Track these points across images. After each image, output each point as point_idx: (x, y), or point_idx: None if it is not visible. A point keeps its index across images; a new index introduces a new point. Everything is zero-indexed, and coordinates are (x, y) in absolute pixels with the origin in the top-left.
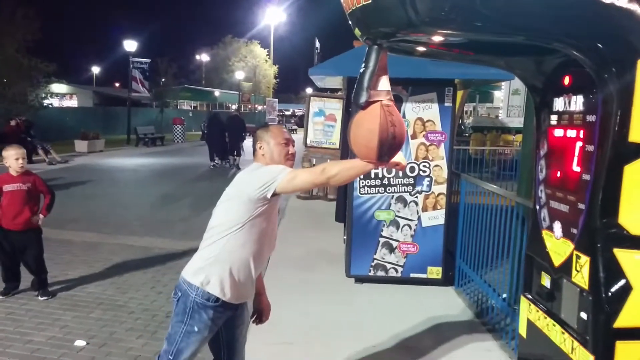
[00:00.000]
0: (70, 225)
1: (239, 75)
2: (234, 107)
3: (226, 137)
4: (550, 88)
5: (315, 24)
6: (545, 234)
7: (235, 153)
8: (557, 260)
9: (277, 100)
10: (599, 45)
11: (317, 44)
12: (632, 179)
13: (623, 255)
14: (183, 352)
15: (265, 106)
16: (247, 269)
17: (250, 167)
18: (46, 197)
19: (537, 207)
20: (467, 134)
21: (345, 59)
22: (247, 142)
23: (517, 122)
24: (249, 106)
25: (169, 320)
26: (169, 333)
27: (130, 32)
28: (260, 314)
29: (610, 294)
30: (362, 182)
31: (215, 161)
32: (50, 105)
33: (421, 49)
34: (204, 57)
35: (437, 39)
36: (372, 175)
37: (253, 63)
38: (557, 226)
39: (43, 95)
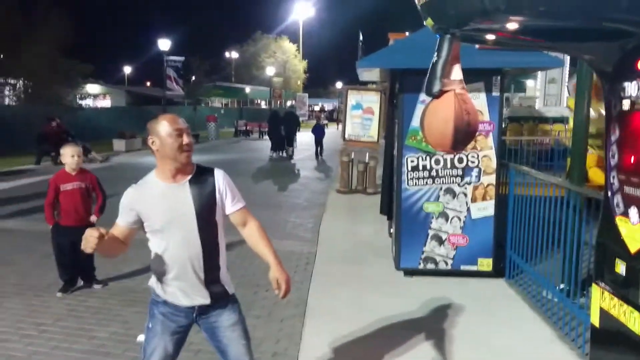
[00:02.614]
0: None
1: (270, 71)
2: (262, 103)
3: (282, 131)
4: (622, 73)
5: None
6: (619, 220)
7: (290, 144)
8: (634, 247)
9: (307, 95)
10: None
11: (361, 37)
12: None
13: None
14: (145, 350)
15: (295, 101)
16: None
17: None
18: (99, 198)
19: (610, 193)
20: (504, 125)
21: (393, 50)
22: (299, 135)
23: (554, 111)
24: (280, 102)
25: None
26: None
27: (160, 30)
28: (276, 286)
29: None
30: (411, 174)
31: (272, 153)
32: (87, 106)
33: (492, 37)
34: (233, 54)
35: (510, 26)
36: (421, 167)
37: (282, 58)
38: (634, 212)
39: (80, 95)
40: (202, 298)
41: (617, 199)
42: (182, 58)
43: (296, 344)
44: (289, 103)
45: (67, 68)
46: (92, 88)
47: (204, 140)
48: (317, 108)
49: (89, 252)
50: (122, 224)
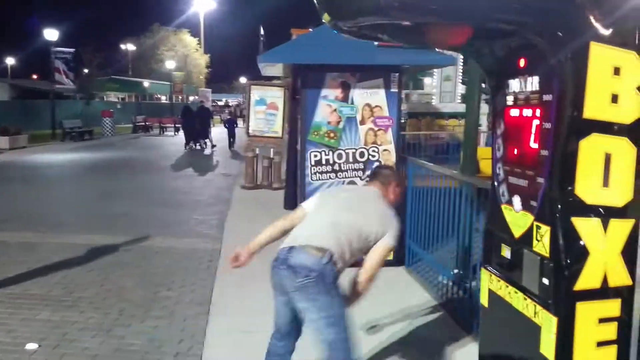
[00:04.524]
0: (2, 227)
1: (170, 65)
2: (163, 98)
3: (197, 125)
4: (505, 70)
5: (246, 12)
6: (504, 208)
7: (204, 138)
8: (517, 232)
9: (210, 90)
10: (558, 30)
11: (262, 31)
12: (586, 153)
13: (580, 223)
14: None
15: (197, 97)
16: None
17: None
18: None
19: (496, 183)
20: (403, 120)
21: (295, 46)
22: (214, 129)
23: (450, 107)
24: (181, 97)
25: (124, 317)
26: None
27: (49, 20)
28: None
29: (569, 260)
30: (314, 169)
31: (190, 145)
32: None
33: (386, 36)
34: (130, 47)
35: (405, 23)
36: (324, 162)
37: (183, 52)
38: (517, 200)
39: None
40: None
41: (502, 188)
42: (72, 50)
43: (200, 343)
44: (191, 98)
45: None
46: None
47: (98, 136)
48: (220, 104)
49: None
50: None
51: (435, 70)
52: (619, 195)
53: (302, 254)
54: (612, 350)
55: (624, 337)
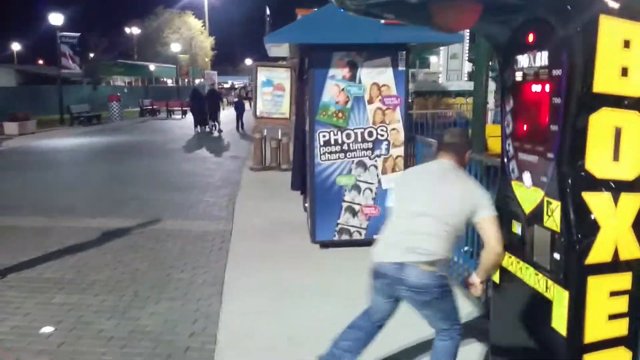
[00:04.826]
0: (14, 212)
1: (175, 47)
2: (169, 81)
3: (206, 108)
4: (514, 46)
5: None
6: (515, 184)
7: (214, 120)
8: (528, 208)
9: (216, 72)
10: (567, 3)
11: (268, 12)
12: (596, 127)
13: (590, 198)
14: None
15: (203, 79)
16: None
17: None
18: None
19: (506, 159)
20: (410, 99)
21: (301, 25)
22: (223, 112)
23: (456, 85)
24: (187, 79)
25: (138, 299)
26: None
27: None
28: None
29: (580, 234)
30: (323, 149)
31: (199, 127)
32: None
33: (392, 13)
34: (134, 30)
35: (412, 1)
36: (332, 142)
37: (188, 35)
38: (527, 176)
39: None
40: None
41: (513, 165)
42: (77, 34)
43: (214, 323)
44: (197, 81)
45: None
46: None
47: (106, 120)
48: (226, 86)
49: None
50: None
51: (441, 48)
52: (629, 169)
53: (417, 272)
54: (624, 323)
55: (635, 310)
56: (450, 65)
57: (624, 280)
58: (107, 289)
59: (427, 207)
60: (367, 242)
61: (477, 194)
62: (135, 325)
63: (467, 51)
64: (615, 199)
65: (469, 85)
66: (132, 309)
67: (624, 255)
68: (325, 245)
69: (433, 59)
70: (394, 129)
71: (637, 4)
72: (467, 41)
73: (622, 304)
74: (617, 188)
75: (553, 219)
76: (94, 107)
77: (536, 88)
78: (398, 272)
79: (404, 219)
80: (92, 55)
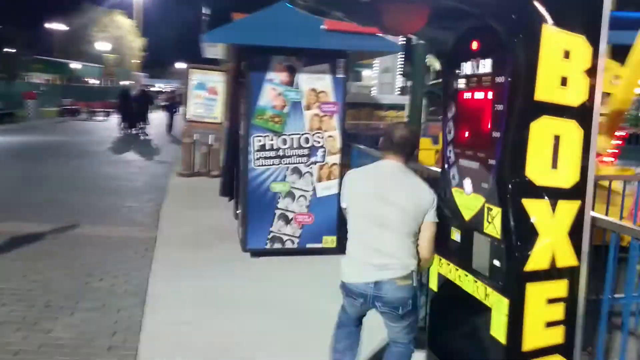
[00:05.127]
0: None
1: (101, 46)
2: (92, 81)
3: (134, 109)
4: (457, 53)
5: None
6: (455, 191)
7: (143, 123)
8: (468, 215)
9: (145, 75)
10: (512, 12)
11: (204, 10)
12: (536, 135)
13: (530, 205)
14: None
15: (131, 81)
16: None
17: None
18: None
19: (446, 166)
20: None
21: (242, 26)
22: (152, 114)
23: (389, 99)
24: (113, 80)
25: (50, 309)
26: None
27: None
28: None
29: (520, 241)
30: (258, 154)
31: (126, 129)
32: None
33: (342, 12)
34: (57, 26)
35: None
36: (268, 147)
37: (117, 34)
38: (468, 182)
39: None
40: None
41: (453, 171)
42: None
43: (136, 335)
44: (123, 83)
45: None
46: None
47: (21, 119)
48: (153, 89)
49: None
50: None
51: (374, 61)
52: (567, 176)
53: (394, 287)
54: (560, 330)
55: (570, 317)
56: (382, 79)
57: (560, 288)
58: (15, 298)
59: (387, 219)
60: (300, 251)
61: (429, 199)
62: (46, 338)
63: (400, 65)
64: (554, 206)
65: (401, 99)
66: (44, 320)
67: (560, 263)
68: (256, 253)
69: (366, 72)
70: (330, 136)
71: (576, 16)
72: (400, 56)
73: (558, 312)
74: (555, 195)
75: (493, 226)
76: (8, 105)
77: (479, 95)
78: (375, 290)
79: (368, 234)
80: (7, 50)
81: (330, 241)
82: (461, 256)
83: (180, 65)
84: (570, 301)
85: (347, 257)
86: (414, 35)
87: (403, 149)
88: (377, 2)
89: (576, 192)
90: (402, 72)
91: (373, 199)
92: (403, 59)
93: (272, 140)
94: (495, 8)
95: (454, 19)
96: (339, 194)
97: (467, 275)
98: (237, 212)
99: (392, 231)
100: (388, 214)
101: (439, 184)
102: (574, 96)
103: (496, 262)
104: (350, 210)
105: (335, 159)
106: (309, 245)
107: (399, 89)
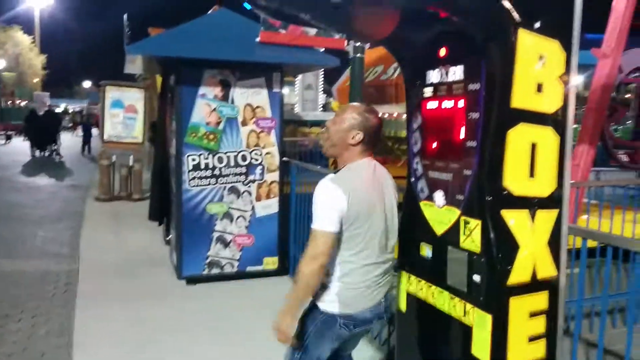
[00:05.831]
0: None
1: None
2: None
3: (44, 130)
4: (423, 60)
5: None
6: (424, 205)
7: (54, 143)
8: (440, 229)
9: (48, 94)
10: (486, 16)
11: (126, 20)
12: (514, 143)
13: (509, 216)
14: None
15: (32, 101)
16: None
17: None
18: None
19: (413, 179)
20: None
21: (171, 37)
22: (62, 135)
23: (312, 115)
24: (12, 101)
25: None
26: None
27: None
28: None
29: (501, 254)
30: (192, 174)
31: (36, 153)
32: None
33: (309, 14)
34: None
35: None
36: (203, 166)
37: (14, 51)
38: (439, 195)
39: None
40: None
41: (421, 184)
42: None
43: None
44: (25, 103)
45: None
46: None
47: None
48: (58, 110)
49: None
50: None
51: (296, 78)
52: (544, 185)
53: (392, 297)
54: (542, 344)
55: (551, 330)
56: (305, 96)
57: (541, 300)
58: None
59: (392, 231)
60: (240, 275)
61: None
62: None
63: (322, 82)
64: (533, 216)
65: (324, 116)
66: None
67: (541, 274)
68: (192, 280)
69: (285, 90)
70: (268, 152)
71: (551, 20)
72: (322, 73)
73: (540, 325)
74: (533, 205)
75: (471, 239)
76: None
77: (448, 104)
78: (381, 307)
79: (374, 259)
80: None
81: (271, 262)
82: (434, 272)
83: (87, 83)
84: (550, 313)
85: (353, 289)
86: (381, 42)
87: (377, 145)
88: (349, 2)
89: (554, 200)
90: (324, 89)
91: (380, 220)
92: (323, 77)
93: (207, 158)
94: (469, 13)
95: (424, 24)
96: (279, 213)
97: (441, 292)
98: (168, 238)
99: (393, 238)
100: (391, 226)
101: (404, 198)
102: (550, 102)
103: (476, 277)
104: (356, 232)
105: (275, 176)
106: (249, 268)
107: (322, 106)
